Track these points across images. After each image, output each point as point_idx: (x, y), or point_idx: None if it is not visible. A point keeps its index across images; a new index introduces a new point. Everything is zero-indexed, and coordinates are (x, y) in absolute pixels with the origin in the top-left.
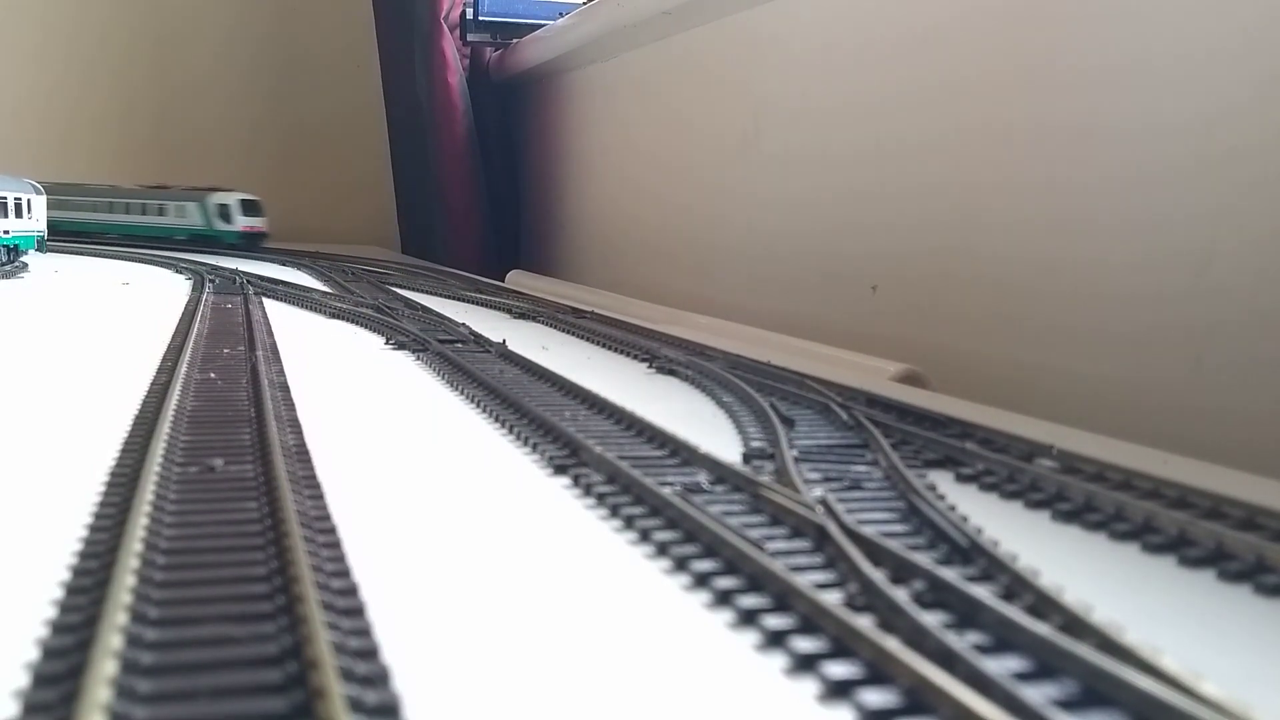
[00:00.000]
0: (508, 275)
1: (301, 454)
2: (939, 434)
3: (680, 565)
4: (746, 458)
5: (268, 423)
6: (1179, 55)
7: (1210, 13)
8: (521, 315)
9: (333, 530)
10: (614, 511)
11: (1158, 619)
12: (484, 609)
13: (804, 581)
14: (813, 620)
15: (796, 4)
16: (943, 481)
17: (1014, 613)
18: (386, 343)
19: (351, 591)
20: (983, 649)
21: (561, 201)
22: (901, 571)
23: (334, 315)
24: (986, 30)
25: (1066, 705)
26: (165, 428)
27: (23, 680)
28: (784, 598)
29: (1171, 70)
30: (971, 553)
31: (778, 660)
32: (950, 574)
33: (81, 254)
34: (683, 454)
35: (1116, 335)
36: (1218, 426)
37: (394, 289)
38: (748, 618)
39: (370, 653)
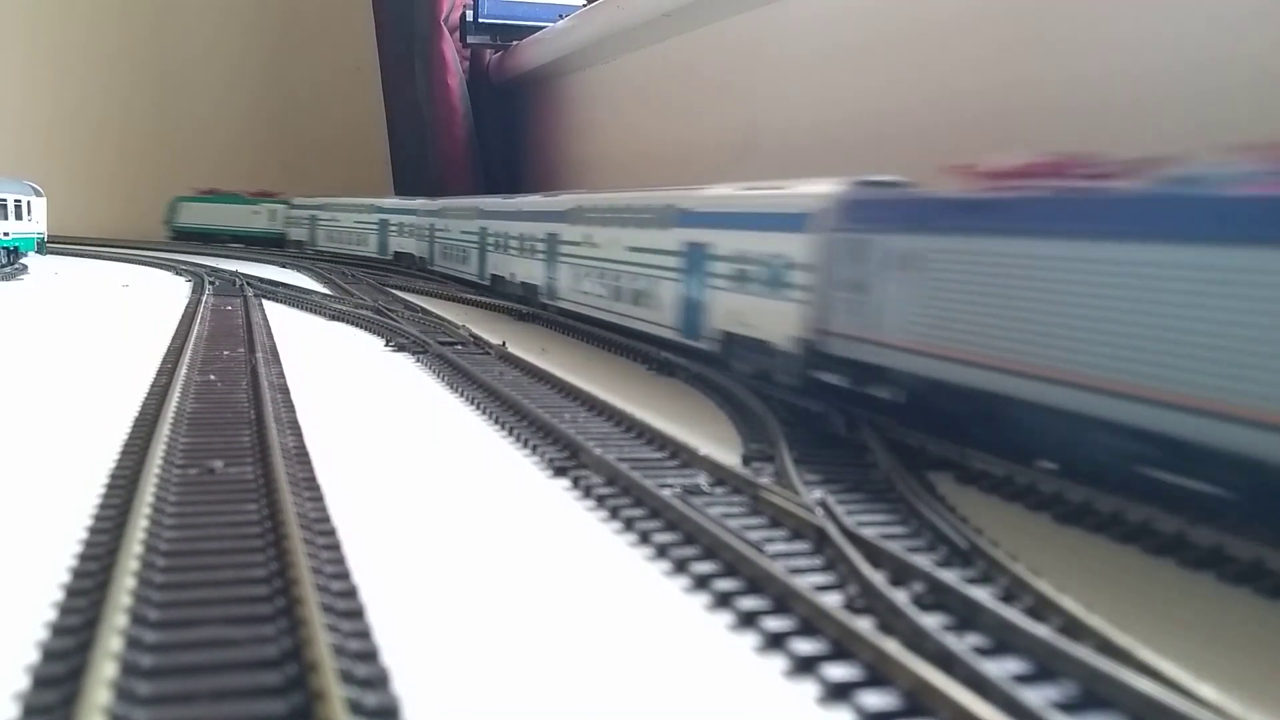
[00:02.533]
0: None
1: (301, 456)
2: (939, 435)
3: (680, 567)
4: (746, 459)
5: (267, 425)
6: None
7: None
8: (521, 317)
9: (333, 532)
10: (614, 513)
11: (1158, 621)
12: (484, 611)
13: (803, 584)
14: (812, 622)
15: (796, 7)
16: (943, 483)
17: (1014, 615)
18: (386, 345)
19: (351, 594)
20: (982, 651)
21: None
22: (901, 574)
23: (334, 317)
24: (985, 35)
25: (1066, 707)
26: (165, 429)
27: (23, 682)
28: (784, 600)
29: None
30: (971, 554)
31: (777, 662)
32: (950, 576)
33: (81, 256)
34: (682, 456)
35: None
36: None
37: (394, 291)
38: (747, 620)
39: (370, 655)
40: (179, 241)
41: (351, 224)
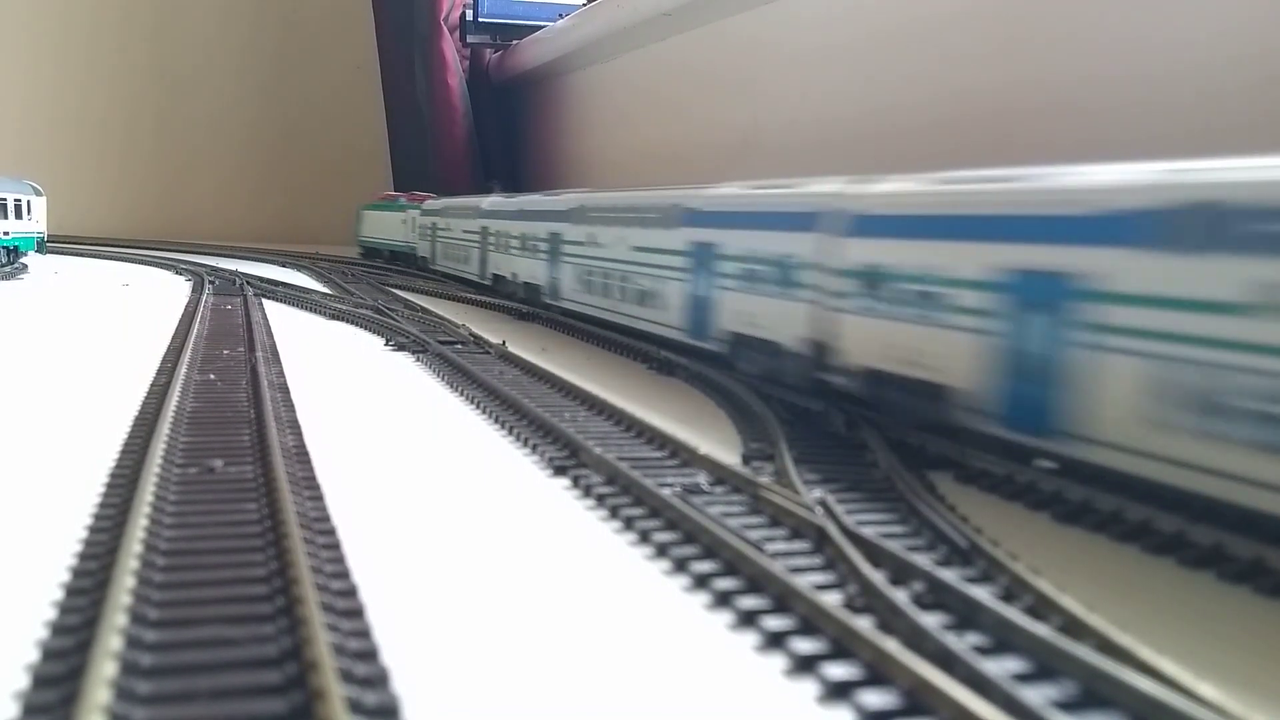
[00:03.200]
0: None
1: (301, 455)
2: (939, 434)
3: (680, 566)
4: (746, 459)
5: (267, 424)
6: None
7: None
8: (521, 316)
9: (332, 531)
10: (614, 513)
11: (1158, 619)
12: (484, 610)
13: (803, 583)
14: (812, 621)
15: (797, 5)
16: (943, 482)
17: (1013, 614)
18: (386, 344)
19: (351, 593)
20: (982, 650)
21: None
22: (901, 573)
23: (334, 316)
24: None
25: (1066, 706)
26: (165, 429)
27: (23, 681)
28: (783, 599)
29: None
30: (971, 554)
31: (777, 661)
32: (950, 575)
33: (81, 255)
34: (682, 455)
35: None
36: None
37: (394, 290)
38: (747, 619)
39: (370, 654)
40: (368, 260)
41: (460, 234)
